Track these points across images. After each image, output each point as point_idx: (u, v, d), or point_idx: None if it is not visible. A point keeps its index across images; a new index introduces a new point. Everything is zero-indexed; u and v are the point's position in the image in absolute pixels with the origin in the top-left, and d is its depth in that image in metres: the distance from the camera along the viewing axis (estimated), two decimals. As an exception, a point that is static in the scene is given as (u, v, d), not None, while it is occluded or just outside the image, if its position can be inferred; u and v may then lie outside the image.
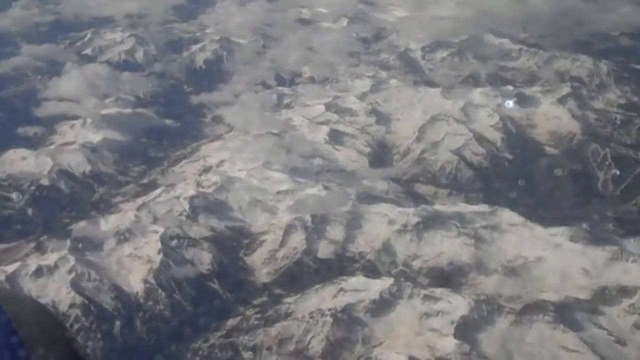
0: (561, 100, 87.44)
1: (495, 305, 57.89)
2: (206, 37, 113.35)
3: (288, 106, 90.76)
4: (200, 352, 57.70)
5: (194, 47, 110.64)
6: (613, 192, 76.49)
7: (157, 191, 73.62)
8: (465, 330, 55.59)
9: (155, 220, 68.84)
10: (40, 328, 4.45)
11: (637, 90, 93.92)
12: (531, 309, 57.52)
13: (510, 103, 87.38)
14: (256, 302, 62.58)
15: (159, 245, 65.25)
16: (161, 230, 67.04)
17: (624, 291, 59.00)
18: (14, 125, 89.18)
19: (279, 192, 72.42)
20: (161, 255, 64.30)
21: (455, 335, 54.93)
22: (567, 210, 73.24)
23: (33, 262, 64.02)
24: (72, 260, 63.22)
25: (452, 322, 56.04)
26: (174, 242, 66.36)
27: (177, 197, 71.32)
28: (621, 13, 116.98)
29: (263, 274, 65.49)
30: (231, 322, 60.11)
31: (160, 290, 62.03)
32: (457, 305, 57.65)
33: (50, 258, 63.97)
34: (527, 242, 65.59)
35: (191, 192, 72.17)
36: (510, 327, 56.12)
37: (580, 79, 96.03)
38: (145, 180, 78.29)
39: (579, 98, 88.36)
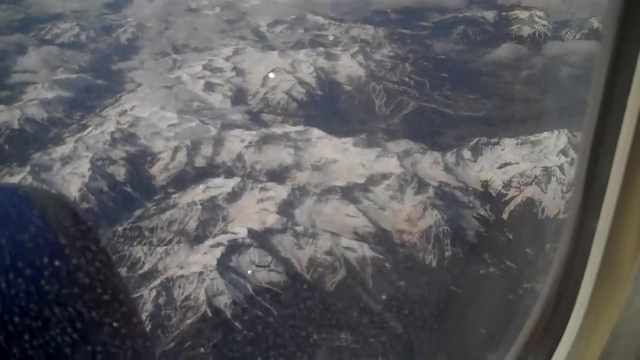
0: (353, 55, 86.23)
1: (304, 191, 57.44)
2: (127, 23, 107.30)
3: (178, 68, 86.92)
4: (117, 233, 55.67)
5: (119, 30, 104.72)
6: (384, 113, 76.27)
7: (90, 129, 69.78)
8: (285, 208, 54.94)
9: (87, 148, 65.40)
10: (68, 223, 2.83)
11: (401, 47, 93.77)
12: (327, 191, 57.23)
13: None
14: (155, 197, 60.63)
15: (89, 165, 62.35)
16: (90, 155, 63.85)
17: (384, 176, 59.28)
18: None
19: (170, 125, 69.70)
20: (90, 172, 61.51)
21: (278, 212, 54.36)
22: (354, 126, 72.53)
23: (5, 181, 60.39)
24: (29, 179, 60.00)
25: (276, 204, 55.41)
26: (99, 162, 63.39)
27: (102, 132, 67.77)
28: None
29: (160, 179, 63.11)
30: (137, 212, 58.01)
31: (90, 195, 59.51)
32: (281, 192, 56.87)
33: (16, 178, 60.37)
34: (328, 149, 65.01)
35: (112, 128, 68.66)
36: (314, 204, 55.76)
37: (366, 40, 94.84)
38: (83, 122, 74.00)
39: (364, 53, 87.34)
